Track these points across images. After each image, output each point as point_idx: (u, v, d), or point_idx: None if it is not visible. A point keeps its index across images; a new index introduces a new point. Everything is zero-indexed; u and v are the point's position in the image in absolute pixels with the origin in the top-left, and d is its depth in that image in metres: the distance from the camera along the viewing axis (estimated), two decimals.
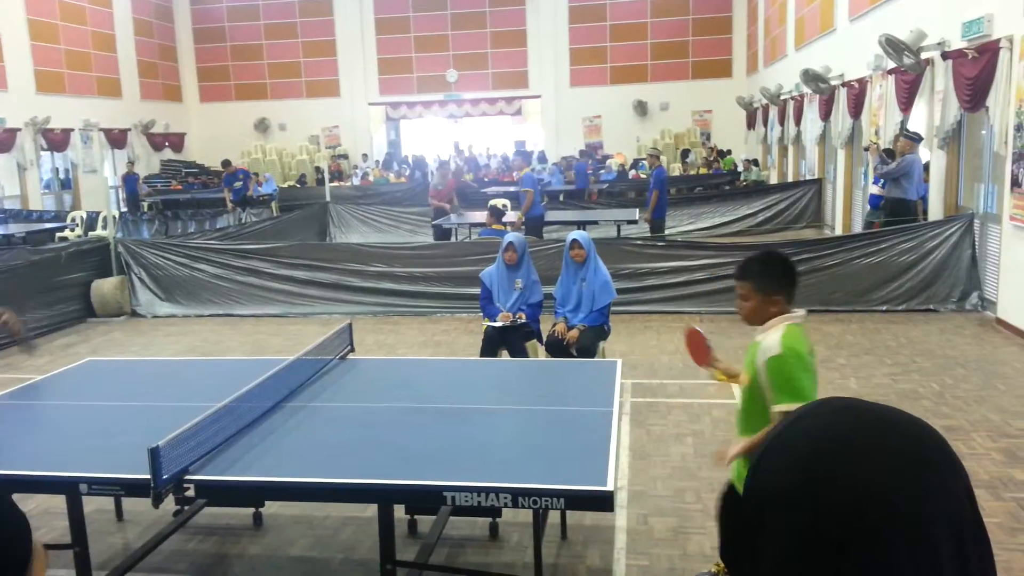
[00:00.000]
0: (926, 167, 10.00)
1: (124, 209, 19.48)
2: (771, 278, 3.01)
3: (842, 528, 0.67)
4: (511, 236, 6.31)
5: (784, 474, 0.73)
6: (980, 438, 5.22)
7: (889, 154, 9.95)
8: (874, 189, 10.44)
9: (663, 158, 15.86)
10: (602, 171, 20.95)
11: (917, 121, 10.48)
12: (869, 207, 10.75)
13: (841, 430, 0.73)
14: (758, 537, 0.74)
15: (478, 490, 2.82)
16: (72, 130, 19.64)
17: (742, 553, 0.77)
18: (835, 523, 0.68)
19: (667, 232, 12.91)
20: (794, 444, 0.74)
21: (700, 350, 3.47)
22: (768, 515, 0.73)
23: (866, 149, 11.33)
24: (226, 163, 17.78)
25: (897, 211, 9.61)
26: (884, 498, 0.67)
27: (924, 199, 9.94)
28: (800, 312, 3.01)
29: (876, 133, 11.14)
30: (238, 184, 16.88)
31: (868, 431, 0.72)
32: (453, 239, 12.32)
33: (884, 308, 8.75)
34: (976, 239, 8.70)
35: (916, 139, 9.53)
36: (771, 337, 2.92)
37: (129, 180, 20.12)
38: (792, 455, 0.73)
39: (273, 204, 17.89)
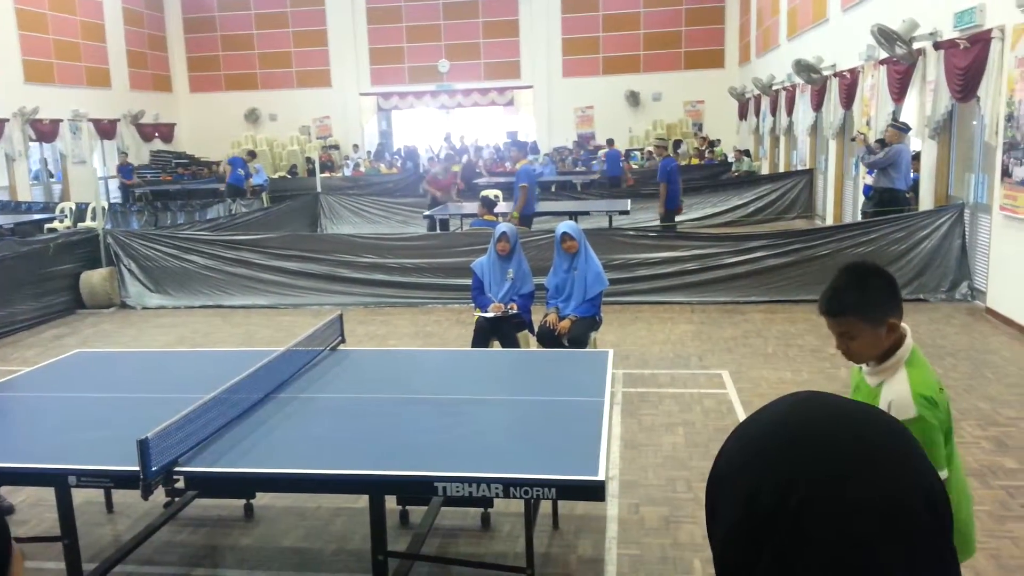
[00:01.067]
0: (915, 157, 10.01)
1: (119, 199, 19.41)
2: (878, 299, 2.26)
3: (774, 502, 0.70)
4: (504, 226, 6.29)
5: (732, 455, 0.77)
6: (969, 427, 5.24)
7: (883, 144, 9.96)
8: (869, 180, 10.44)
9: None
10: (593, 161, 20.95)
11: (909, 111, 10.49)
12: (864, 197, 10.75)
13: (791, 416, 0.76)
14: (712, 524, 0.77)
15: (470, 481, 2.82)
16: (61, 121, 19.49)
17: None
18: (768, 498, 0.70)
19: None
20: (746, 430, 0.78)
21: None
22: (718, 497, 0.76)
23: (853, 139, 11.33)
24: (252, 154, 17.74)
25: (886, 201, 9.62)
26: (811, 477, 0.69)
27: (915, 189, 9.96)
28: (907, 329, 2.33)
29: (867, 123, 11.14)
30: (241, 172, 16.88)
31: (817, 419, 0.75)
32: (449, 228, 12.27)
33: None
34: (966, 229, 8.73)
35: (903, 129, 9.54)
36: (897, 388, 2.26)
37: (124, 170, 20.07)
38: (741, 439, 0.77)
39: (264, 195, 17.84)
